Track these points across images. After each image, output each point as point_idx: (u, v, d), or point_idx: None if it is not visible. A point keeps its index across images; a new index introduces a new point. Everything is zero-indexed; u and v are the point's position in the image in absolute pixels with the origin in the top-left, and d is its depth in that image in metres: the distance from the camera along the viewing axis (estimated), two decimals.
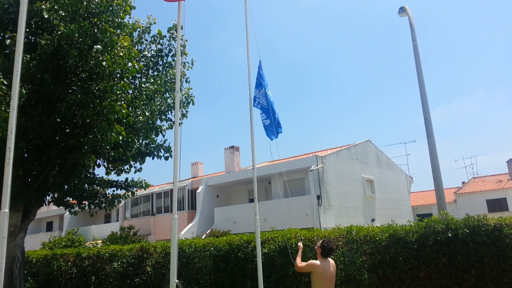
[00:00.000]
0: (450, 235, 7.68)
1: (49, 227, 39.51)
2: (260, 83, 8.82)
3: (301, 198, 22.53)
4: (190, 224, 25.93)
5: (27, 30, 8.15)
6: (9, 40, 7.90)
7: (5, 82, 7.22)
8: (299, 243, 6.86)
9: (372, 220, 24.28)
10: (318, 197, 21.60)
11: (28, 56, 8.06)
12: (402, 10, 12.55)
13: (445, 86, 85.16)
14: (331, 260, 6.01)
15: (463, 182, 40.47)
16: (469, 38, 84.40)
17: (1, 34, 8.72)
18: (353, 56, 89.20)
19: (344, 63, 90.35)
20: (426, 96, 11.52)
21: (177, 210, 7.22)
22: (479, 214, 8.33)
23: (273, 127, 8.58)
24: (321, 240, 6.06)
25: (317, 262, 5.85)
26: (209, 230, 24.73)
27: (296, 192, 23.21)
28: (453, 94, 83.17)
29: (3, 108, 7.14)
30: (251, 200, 26.86)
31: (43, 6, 7.91)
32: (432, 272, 7.76)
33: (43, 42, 7.96)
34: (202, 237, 21.01)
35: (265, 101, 8.69)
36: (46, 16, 7.90)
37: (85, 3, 8.19)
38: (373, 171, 26.52)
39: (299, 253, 6.36)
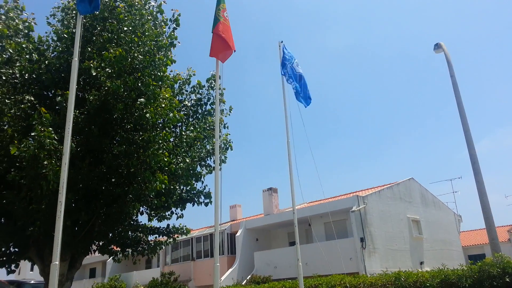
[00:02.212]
0: (508, 280, 7.19)
1: (92, 273, 40.04)
2: (284, 63, 9.55)
3: (343, 240, 21.85)
4: (230, 270, 25.57)
5: (76, 87, 8.70)
6: (60, 98, 8.44)
7: (56, 137, 7.64)
8: None
9: (421, 263, 23.07)
10: (362, 240, 20.87)
11: (77, 111, 8.54)
12: (437, 46, 12.50)
13: (486, 117, 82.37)
14: None
15: None
16: (502, 66, 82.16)
17: (53, 91, 9.34)
18: (387, 93, 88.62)
19: (378, 100, 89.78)
20: (469, 131, 11.18)
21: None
22: None
23: (302, 94, 9.44)
24: None
25: None
26: (249, 276, 24.25)
27: (338, 235, 22.55)
28: (496, 124, 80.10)
29: (53, 162, 7.52)
30: (292, 243, 26.30)
31: (91, 64, 8.45)
32: None
33: (91, 98, 8.44)
34: (243, 283, 20.65)
35: (291, 73, 9.50)
36: (94, 74, 8.42)
37: (129, 59, 8.70)
38: (419, 210, 25.48)
39: None
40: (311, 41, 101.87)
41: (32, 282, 17.81)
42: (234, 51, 7.66)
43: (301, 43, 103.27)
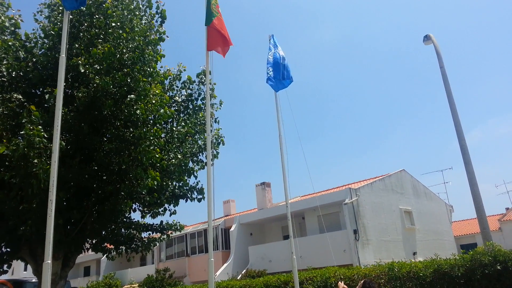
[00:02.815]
0: (499, 267, 7.28)
1: (87, 272, 39.91)
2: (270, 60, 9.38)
3: (337, 233, 21.99)
4: (225, 264, 25.63)
5: (64, 84, 8.60)
6: (48, 95, 8.34)
7: (45, 135, 7.56)
8: (339, 282, 6.61)
9: (414, 254, 23.30)
10: (355, 232, 21.01)
11: (66, 109, 8.45)
12: (427, 38, 12.52)
13: (477, 107, 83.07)
14: None
15: (507, 208, 38.47)
16: (495, 56, 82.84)
17: (41, 89, 9.23)
18: (378, 85, 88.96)
19: (369, 93, 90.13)
20: (460, 123, 11.25)
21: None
22: None
23: (279, 78, 9.19)
24: (362, 281, 5.85)
25: None
26: (244, 270, 24.33)
27: (332, 227, 22.69)
28: (487, 115, 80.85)
29: (44, 160, 7.45)
30: (286, 237, 26.40)
31: (79, 61, 8.36)
32: None
33: (80, 94, 8.36)
34: (238, 278, 20.70)
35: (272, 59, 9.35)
36: (82, 71, 8.33)
37: (118, 56, 8.61)
38: (411, 201, 25.70)
39: None
40: (303, 35, 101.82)
41: (33, 280, 17.76)
42: (231, 45, 7.69)
43: (293, 37, 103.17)
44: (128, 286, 27.57)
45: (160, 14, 10.50)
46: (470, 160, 10.86)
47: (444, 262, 8.06)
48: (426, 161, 77.79)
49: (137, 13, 9.71)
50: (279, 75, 9.18)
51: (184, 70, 11.57)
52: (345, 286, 6.30)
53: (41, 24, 9.78)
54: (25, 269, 34.52)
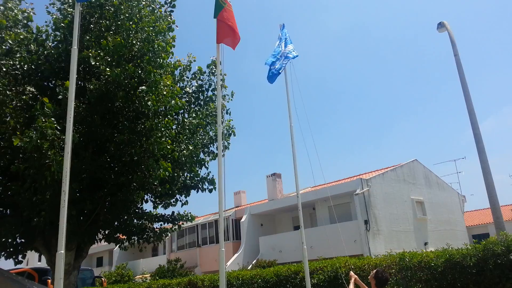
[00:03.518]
0: None
1: (99, 262, 40.52)
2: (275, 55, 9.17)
3: (347, 223, 21.97)
4: (236, 255, 25.82)
5: (76, 76, 8.64)
6: (60, 88, 8.41)
7: (58, 128, 7.64)
8: (350, 272, 6.57)
9: (425, 244, 23.21)
10: (366, 222, 20.97)
11: (78, 101, 8.52)
12: (440, 25, 12.28)
13: (491, 96, 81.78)
14: None
15: None
16: (509, 43, 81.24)
17: (53, 81, 9.30)
18: (390, 74, 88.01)
19: (381, 83, 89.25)
20: (474, 112, 11.10)
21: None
22: None
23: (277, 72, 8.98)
24: (374, 270, 5.83)
25: None
26: (255, 260, 24.49)
27: (342, 218, 22.67)
28: (501, 103, 79.58)
29: (56, 152, 7.53)
30: (296, 228, 26.47)
31: (90, 53, 8.40)
32: None
33: (91, 87, 8.41)
34: (249, 268, 20.84)
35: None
36: (93, 63, 8.36)
37: (128, 47, 8.63)
38: (423, 191, 25.53)
39: (352, 284, 6.13)
40: (311, 23, 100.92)
41: None
42: (239, 39, 7.61)
43: (301, 25, 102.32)
44: (140, 276, 27.93)
45: (169, 3, 10.48)
46: (484, 149, 10.74)
47: (456, 252, 8.01)
48: (438, 151, 77.12)
49: (146, 2, 9.69)
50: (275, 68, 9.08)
51: (194, 60, 11.56)
52: (356, 276, 6.29)
53: (53, 16, 9.83)
54: (39, 260, 35.13)
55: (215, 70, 11.33)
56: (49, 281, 15.52)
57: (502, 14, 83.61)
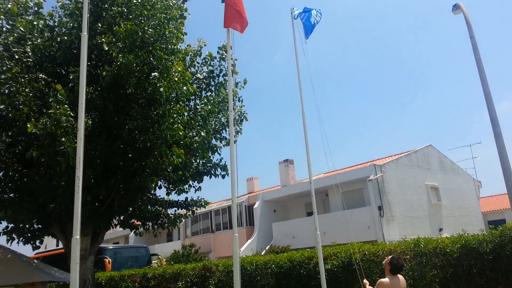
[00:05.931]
0: None
1: None
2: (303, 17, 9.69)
3: (361, 209, 21.88)
4: (249, 241, 26.00)
5: (88, 63, 8.66)
6: (72, 75, 8.43)
7: (71, 114, 7.68)
8: (364, 280, 6.49)
9: (440, 230, 23.04)
10: (380, 208, 20.86)
11: (91, 87, 8.54)
12: (456, 7, 11.96)
13: (507, 78, 79.95)
14: (401, 277, 5.70)
15: None
16: None
17: (65, 68, 9.34)
18: (403, 58, 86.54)
19: (394, 66, 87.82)
20: (490, 95, 10.84)
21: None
22: None
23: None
24: (390, 256, 5.78)
25: (386, 280, 5.57)
26: (268, 246, 24.64)
27: (356, 204, 22.59)
28: None
29: (71, 139, 7.59)
30: (309, 214, 26.49)
31: (103, 39, 8.38)
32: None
33: (104, 73, 8.41)
34: (262, 253, 20.97)
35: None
36: (106, 49, 8.35)
37: (140, 33, 8.59)
38: (437, 177, 25.24)
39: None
40: (320, 5, 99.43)
41: (110, 247, 18.40)
42: (247, 24, 7.52)
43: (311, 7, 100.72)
44: (157, 261, 28.36)
45: None
46: (500, 133, 10.52)
47: (472, 238, 7.90)
48: (453, 136, 76.04)
49: None
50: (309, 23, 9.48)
51: (205, 45, 11.48)
52: (368, 283, 6.29)
53: (60, 2, 9.81)
54: (57, 245, 35.89)
55: (225, 56, 11.25)
56: (106, 260, 15.69)
57: None
